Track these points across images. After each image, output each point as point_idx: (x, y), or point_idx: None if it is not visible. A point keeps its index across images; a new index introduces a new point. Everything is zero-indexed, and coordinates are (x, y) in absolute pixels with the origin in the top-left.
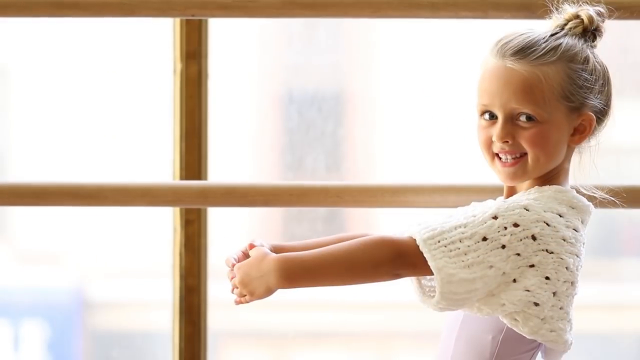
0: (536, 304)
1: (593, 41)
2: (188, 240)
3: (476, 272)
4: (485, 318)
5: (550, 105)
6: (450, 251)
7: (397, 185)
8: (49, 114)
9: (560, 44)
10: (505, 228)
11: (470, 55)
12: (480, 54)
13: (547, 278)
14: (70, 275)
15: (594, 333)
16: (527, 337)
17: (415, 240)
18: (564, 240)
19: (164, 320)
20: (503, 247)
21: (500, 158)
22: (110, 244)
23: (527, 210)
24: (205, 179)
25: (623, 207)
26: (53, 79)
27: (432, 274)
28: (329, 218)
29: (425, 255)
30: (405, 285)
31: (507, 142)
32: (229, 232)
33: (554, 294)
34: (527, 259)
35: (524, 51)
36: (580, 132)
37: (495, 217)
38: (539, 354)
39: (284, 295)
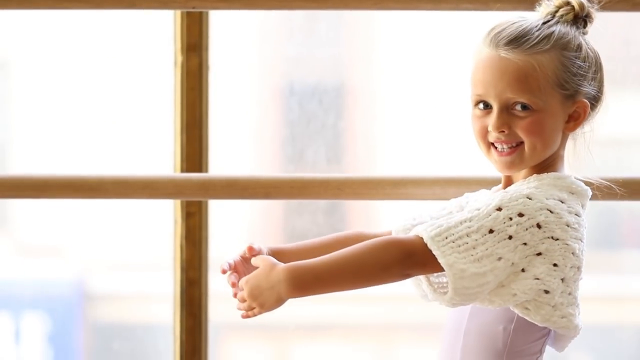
0: (546, 292)
1: (584, 27)
2: (189, 232)
3: (486, 265)
4: (494, 309)
5: (545, 94)
6: (459, 246)
7: (397, 178)
8: (50, 106)
9: (553, 31)
10: (511, 219)
11: (471, 48)
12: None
13: (555, 265)
14: (71, 268)
15: (595, 325)
16: (539, 325)
17: (422, 238)
18: (568, 225)
19: (165, 312)
20: (510, 237)
21: (496, 147)
22: (111, 237)
23: (530, 199)
24: (206, 171)
25: (623, 198)
26: (54, 72)
27: (441, 271)
28: (330, 210)
29: (434, 252)
30: (407, 280)
31: (503, 131)
32: (230, 224)
33: (563, 280)
34: (534, 248)
35: (518, 40)
36: (575, 119)
37: (499, 209)
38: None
39: None
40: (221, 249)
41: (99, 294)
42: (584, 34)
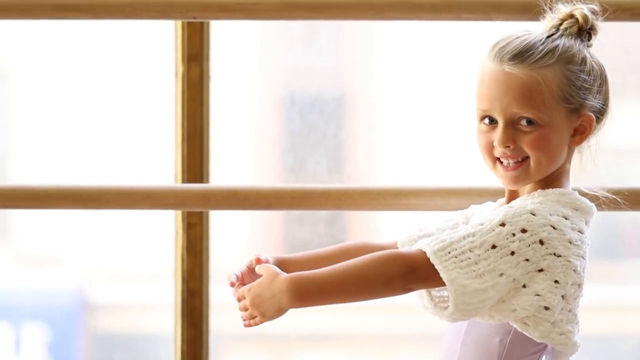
0: (546, 308)
1: (589, 40)
2: (190, 243)
3: (488, 281)
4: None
5: (550, 108)
6: (462, 261)
7: (398, 188)
8: (50, 116)
9: (557, 45)
10: (514, 234)
11: (471, 58)
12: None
13: (556, 282)
14: (72, 278)
15: (596, 335)
16: (537, 340)
17: (425, 253)
18: (570, 242)
19: (166, 323)
20: (512, 253)
21: (501, 162)
22: (112, 247)
23: (533, 215)
24: (207, 181)
25: (626, 209)
26: (54, 82)
27: (443, 285)
28: (331, 221)
29: (436, 267)
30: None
31: (509, 146)
32: (231, 235)
33: (563, 297)
34: (536, 264)
35: (522, 55)
36: (581, 133)
37: (502, 224)
38: (545, 356)
39: None
40: (222, 260)
41: (100, 304)
42: (589, 46)
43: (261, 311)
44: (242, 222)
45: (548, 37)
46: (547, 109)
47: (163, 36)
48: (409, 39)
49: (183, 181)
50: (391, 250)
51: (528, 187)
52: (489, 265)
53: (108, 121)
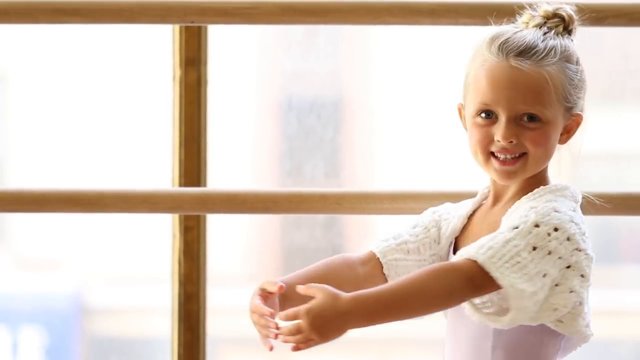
0: (580, 303)
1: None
2: (187, 246)
3: (537, 283)
4: (482, 325)
5: (553, 106)
6: (513, 266)
7: (396, 192)
8: (49, 120)
9: (556, 44)
10: (549, 234)
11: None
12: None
13: (582, 276)
14: (69, 282)
15: (592, 339)
16: (567, 335)
17: (475, 262)
18: (584, 235)
19: (163, 326)
20: (550, 253)
21: (496, 157)
22: (109, 251)
23: (558, 212)
24: (205, 185)
25: (622, 214)
26: (52, 86)
27: (494, 292)
28: (328, 224)
29: (493, 274)
30: None
31: (512, 142)
32: (228, 238)
33: (587, 289)
34: (566, 260)
35: (529, 51)
36: (567, 132)
37: (537, 225)
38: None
39: None
40: (219, 263)
41: (97, 308)
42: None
43: (322, 333)
44: (239, 225)
45: (544, 35)
46: (551, 106)
47: (161, 40)
48: (406, 44)
49: (180, 185)
50: (443, 263)
51: (518, 184)
52: (535, 267)
53: (106, 125)
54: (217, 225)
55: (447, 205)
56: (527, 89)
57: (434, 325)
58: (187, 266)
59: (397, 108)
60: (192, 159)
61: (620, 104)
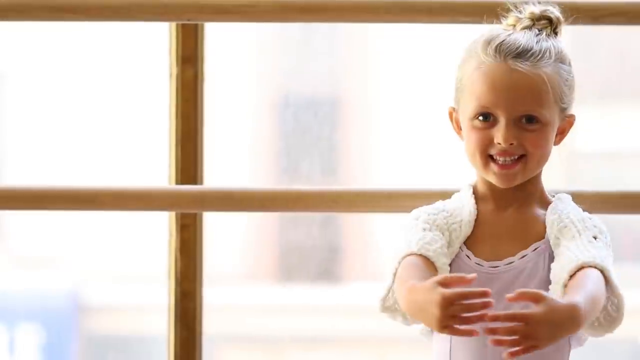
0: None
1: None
2: (184, 244)
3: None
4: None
5: (551, 108)
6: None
7: (392, 190)
8: (45, 118)
9: (550, 45)
10: (608, 244)
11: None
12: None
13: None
14: (66, 280)
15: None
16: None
17: (603, 268)
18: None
19: (160, 324)
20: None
21: (495, 160)
22: (106, 249)
23: (590, 219)
24: (201, 183)
25: (620, 212)
26: (49, 84)
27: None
28: (325, 223)
29: (614, 283)
30: None
31: (512, 144)
32: (225, 236)
33: None
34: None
35: (526, 53)
36: (561, 133)
37: (595, 237)
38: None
39: (278, 299)
40: (216, 261)
41: (94, 306)
42: None
43: (548, 339)
44: (236, 223)
45: (536, 36)
46: (550, 108)
47: (158, 38)
48: (403, 42)
49: (177, 183)
50: (589, 269)
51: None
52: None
53: (102, 122)
54: (213, 223)
55: (439, 207)
56: (526, 91)
57: None
58: (184, 264)
59: (394, 106)
60: (189, 157)
61: (617, 103)
